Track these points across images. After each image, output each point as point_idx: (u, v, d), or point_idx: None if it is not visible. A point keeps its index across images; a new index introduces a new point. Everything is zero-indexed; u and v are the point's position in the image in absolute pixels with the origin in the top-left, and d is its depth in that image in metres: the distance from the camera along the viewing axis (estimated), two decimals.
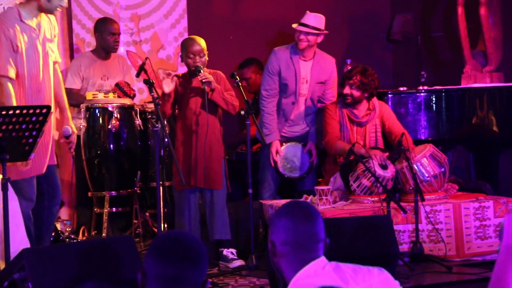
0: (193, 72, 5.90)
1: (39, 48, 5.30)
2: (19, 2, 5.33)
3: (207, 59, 5.93)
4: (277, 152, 6.61)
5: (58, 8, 5.29)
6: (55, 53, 5.52)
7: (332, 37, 6.89)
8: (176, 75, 6.04)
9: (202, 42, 5.94)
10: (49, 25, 5.44)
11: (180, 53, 6.02)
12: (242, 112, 5.78)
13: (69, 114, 5.61)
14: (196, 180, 5.88)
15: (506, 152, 7.45)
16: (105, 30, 7.12)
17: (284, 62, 6.65)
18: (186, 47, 5.93)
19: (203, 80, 5.78)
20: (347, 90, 6.43)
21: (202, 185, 5.90)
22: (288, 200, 3.88)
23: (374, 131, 6.50)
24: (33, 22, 5.28)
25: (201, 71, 5.81)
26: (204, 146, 5.88)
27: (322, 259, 2.84)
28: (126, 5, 7.87)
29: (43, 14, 5.34)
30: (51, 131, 5.47)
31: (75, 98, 6.81)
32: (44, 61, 5.34)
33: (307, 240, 2.82)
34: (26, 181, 5.23)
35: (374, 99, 6.54)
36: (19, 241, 4.85)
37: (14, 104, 5.09)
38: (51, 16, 5.46)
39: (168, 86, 5.81)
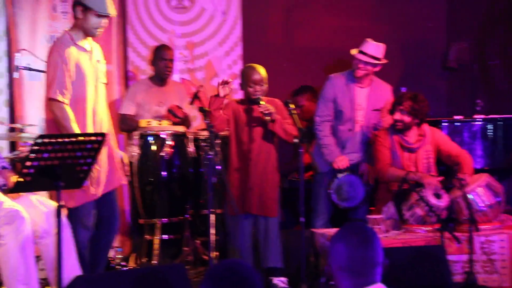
0: (252, 100, 5.89)
1: (93, 69, 5.35)
2: (67, 29, 5.38)
3: (267, 87, 5.91)
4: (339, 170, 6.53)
5: (99, 29, 5.30)
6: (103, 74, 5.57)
7: (388, 64, 6.83)
8: (235, 101, 6.05)
9: (263, 71, 5.94)
10: (97, 48, 5.50)
11: (240, 82, 6.02)
12: (296, 140, 5.73)
13: (114, 141, 5.62)
14: (251, 207, 5.85)
15: None
16: (158, 56, 7.16)
17: (340, 88, 6.60)
18: (247, 76, 5.94)
19: (265, 112, 5.76)
20: (397, 116, 6.37)
21: (256, 212, 5.88)
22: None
23: (426, 157, 6.43)
24: (84, 43, 5.33)
25: (262, 102, 5.81)
26: (261, 173, 5.88)
27: (379, 285, 2.82)
28: (181, 33, 7.93)
29: (89, 39, 5.39)
30: (115, 151, 5.50)
31: (128, 123, 6.85)
32: (97, 82, 5.38)
33: (362, 265, 2.82)
34: (85, 209, 5.25)
35: (425, 125, 6.47)
36: (71, 268, 4.90)
37: (75, 127, 5.11)
38: (96, 44, 5.50)
39: (224, 90, 5.80)
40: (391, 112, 6.48)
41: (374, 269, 2.84)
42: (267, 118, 5.77)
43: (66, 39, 5.28)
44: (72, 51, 5.23)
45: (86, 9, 5.22)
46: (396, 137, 6.45)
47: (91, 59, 5.36)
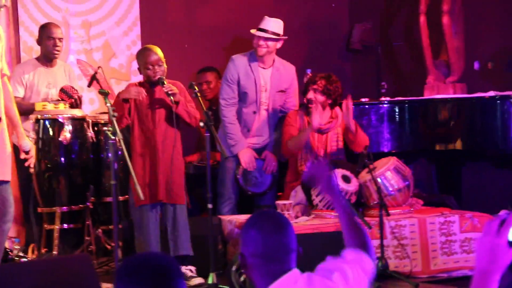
0: (153, 83, 5.70)
1: None
2: None
3: (166, 67, 5.72)
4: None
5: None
6: (3, 65, 5.24)
7: (290, 45, 6.74)
8: (136, 83, 5.85)
9: (158, 51, 5.76)
10: None
11: (138, 66, 5.80)
12: (202, 124, 5.55)
13: (22, 130, 5.41)
14: (158, 195, 5.67)
15: (469, 165, 7.35)
16: (44, 34, 6.79)
17: (243, 70, 6.51)
18: (143, 58, 5.75)
19: (169, 92, 5.58)
20: (311, 95, 6.35)
21: (164, 200, 5.69)
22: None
23: (335, 139, 6.42)
24: None
25: (165, 82, 5.63)
26: (168, 159, 5.70)
27: (295, 271, 2.73)
28: (75, 12, 7.60)
29: None
30: (6, 143, 5.22)
31: (18, 107, 6.51)
32: None
33: (277, 251, 2.73)
34: None
35: (337, 109, 6.44)
36: None
37: None
38: None
39: (135, 92, 5.62)
40: (304, 92, 6.43)
41: (289, 255, 2.75)
42: (171, 98, 5.56)
43: None
44: None
45: None
46: (307, 118, 6.40)
47: None
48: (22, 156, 5.33)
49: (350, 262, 2.80)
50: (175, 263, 2.46)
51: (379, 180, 5.94)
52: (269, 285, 2.69)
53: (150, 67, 5.69)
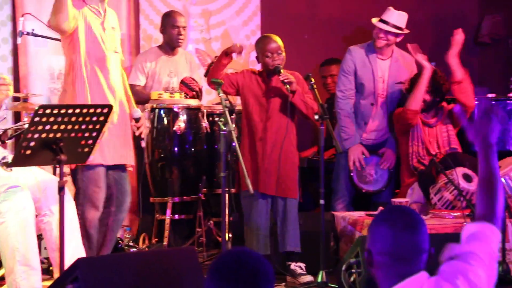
0: (271, 71, 5.58)
1: (106, 36, 5.09)
2: None
3: (285, 56, 5.59)
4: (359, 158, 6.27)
5: None
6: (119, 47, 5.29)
7: (414, 37, 6.49)
8: (254, 71, 5.77)
9: (278, 40, 5.66)
10: (113, 14, 5.23)
11: (256, 54, 5.71)
12: (316, 117, 5.38)
13: (133, 103, 5.39)
14: (268, 188, 5.53)
15: None
16: (168, 23, 6.80)
17: (360, 60, 6.34)
18: (262, 46, 5.64)
19: (285, 80, 5.45)
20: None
21: (274, 193, 5.56)
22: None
23: (445, 131, 6.26)
24: (98, 6, 5.08)
25: (281, 70, 5.51)
26: (280, 151, 5.54)
27: (423, 274, 2.60)
28: (196, 0, 7.60)
29: (106, 2, 5.14)
30: (129, 129, 5.26)
31: (138, 95, 6.53)
32: (110, 51, 5.11)
33: (408, 251, 2.61)
34: (95, 185, 5.03)
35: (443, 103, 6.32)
36: (74, 249, 4.65)
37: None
38: (111, 10, 5.24)
39: (238, 49, 5.54)
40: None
41: (419, 256, 2.61)
42: (287, 87, 5.42)
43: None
44: (85, 13, 4.99)
45: None
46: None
47: (103, 25, 5.08)
48: (132, 123, 5.29)
49: (473, 254, 2.63)
50: (269, 267, 2.42)
51: (503, 180, 5.65)
52: (393, 285, 2.59)
53: (269, 54, 5.58)
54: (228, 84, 5.58)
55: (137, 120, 5.29)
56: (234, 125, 5.20)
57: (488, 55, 8.40)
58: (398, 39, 6.35)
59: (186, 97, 6.42)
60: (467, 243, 2.67)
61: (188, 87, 6.53)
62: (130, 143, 5.25)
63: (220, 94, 5.24)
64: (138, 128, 5.31)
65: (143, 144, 5.62)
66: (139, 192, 6.42)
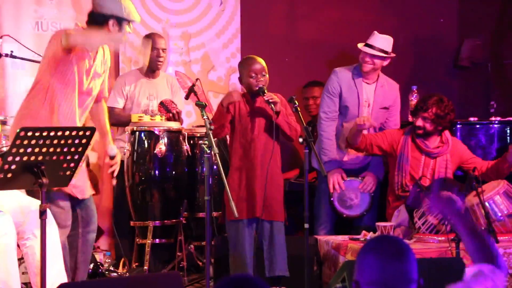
0: (254, 92, 5.52)
1: (85, 82, 4.99)
2: (83, 27, 4.98)
3: (268, 78, 5.55)
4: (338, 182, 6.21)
5: (125, 37, 4.99)
6: (104, 88, 5.24)
7: (396, 60, 6.50)
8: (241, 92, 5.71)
9: (262, 61, 5.60)
10: (102, 58, 5.11)
11: (239, 76, 5.65)
12: (301, 140, 5.32)
13: (110, 139, 5.32)
14: (255, 210, 5.46)
15: None
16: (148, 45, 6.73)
17: (346, 83, 6.31)
18: (246, 66, 5.57)
19: (270, 100, 5.39)
20: (419, 123, 6.10)
21: (262, 216, 5.48)
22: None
23: (444, 166, 6.14)
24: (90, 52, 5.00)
25: (266, 91, 5.44)
26: (267, 173, 5.48)
27: None
28: (176, 23, 7.57)
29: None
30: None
31: (116, 117, 6.46)
32: (81, 98, 5.01)
33: (396, 280, 2.57)
34: (60, 207, 4.92)
35: (447, 132, 6.20)
36: (56, 273, 4.58)
37: None
38: (107, 49, 5.16)
39: (238, 95, 5.47)
40: (413, 114, 6.20)
41: (408, 285, 2.58)
42: (272, 106, 5.36)
43: None
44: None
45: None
46: (416, 139, 6.16)
47: (89, 72, 5.00)
48: (106, 161, 5.23)
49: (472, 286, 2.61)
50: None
51: (487, 204, 5.64)
52: None
53: (253, 75, 5.51)
54: (227, 125, 5.55)
55: (112, 157, 5.21)
56: (217, 148, 5.12)
57: (468, 79, 8.42)
58: (385, 63, 6.32)
59: (167, 121, 6.36)
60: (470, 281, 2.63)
61: (166, 109, 6.47)
62: (84, 179, 5.12)
63: (204, 117, 5.17)
64: (111, 166, 5.23)
65: (114, 182, 5.54)
66: (119, 216, 6.32)
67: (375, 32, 6.33)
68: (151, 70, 6.78)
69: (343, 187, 6.26)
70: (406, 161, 6.11)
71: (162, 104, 6.53)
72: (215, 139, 5.18)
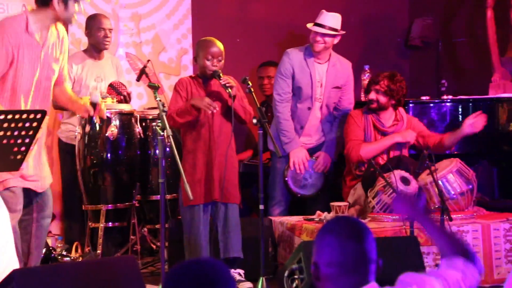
0: (208, 76, 5.45)
1: (38, 67, 4.84)
2: (31, 9, 4.84)
3: (223, 64, 5.50)
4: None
5: (74, 16, 4.83)
6: (64, 73, 5.09)
7: (347, 40, 6.50)
8: (189, 77, 5.65)
9: (221, 46, 5.55)
10: (56, 41, 4.97)
11: (195, 55, 5.59)
12: (255, 121, 5.29)
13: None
14: (212, 193, 5.43)
15: None
16: (94, 25, 6.63)
17: (298, 64, 6.30)
18: (205, 48, 5.50)
19: (227, 85, 5.33)
20: (372, 95, 6.14)
21: (217, 198, 5.44)
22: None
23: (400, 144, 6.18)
24: (38, 36, 4.81)
25: (221, 75, 5.38)
26: (223, 156, 5.44)
27: (373, 285, 2.54)
28: (125, 4, 7.44)
29: (53, 29, 4.87)
30: (42, 154, 5.04)
31: None
32: (38, 81, 4.87)
33: (356, 260, 2.54)
34: (10, 191, 4.79)
35: (402, 110, 6.25)
36: (8, 260, 4.40)
37: None
38: (62, 30, 5.00)
39: (207, 104, 5.33)
40: (366, 91, 6.24)
41: (368, 265, 2.55)
42: (229, 91, 5.31)
43: (19, 23, 4.75)
44: (20, 41, 4.73)
45: None
46: (371, 117, 6.19)
47: (39, 56, 4.83)
48: (92, 113, 5.02)
49: (442, 274, 2.63)
50: (226, 271, 2.32)
51: (440, 182, 5.66)
52: None
53: (210, 57, 5.46)
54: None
55: (93, 104, 5.00)
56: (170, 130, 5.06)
57: (419, 58, 8.48)
58: (336, 41, 6.32)
59: (119, 103, 6.28)
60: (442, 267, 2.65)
61: (116, 91, 6.39)
62: (42, 171, 5.00)
63: (157, 99, 5.10)
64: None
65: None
66: (70, 199, 6.23)
67: (323, 10, 6.32)
68: (97, 51, 6.67)
69: (307, 167, 6.27)
70: (370, 139, 6.16)
71: (112, 86, 6.44)
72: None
